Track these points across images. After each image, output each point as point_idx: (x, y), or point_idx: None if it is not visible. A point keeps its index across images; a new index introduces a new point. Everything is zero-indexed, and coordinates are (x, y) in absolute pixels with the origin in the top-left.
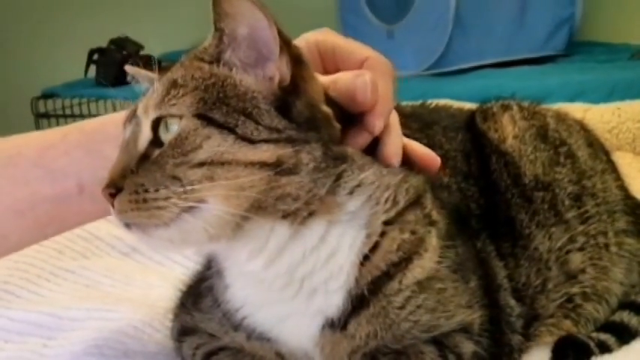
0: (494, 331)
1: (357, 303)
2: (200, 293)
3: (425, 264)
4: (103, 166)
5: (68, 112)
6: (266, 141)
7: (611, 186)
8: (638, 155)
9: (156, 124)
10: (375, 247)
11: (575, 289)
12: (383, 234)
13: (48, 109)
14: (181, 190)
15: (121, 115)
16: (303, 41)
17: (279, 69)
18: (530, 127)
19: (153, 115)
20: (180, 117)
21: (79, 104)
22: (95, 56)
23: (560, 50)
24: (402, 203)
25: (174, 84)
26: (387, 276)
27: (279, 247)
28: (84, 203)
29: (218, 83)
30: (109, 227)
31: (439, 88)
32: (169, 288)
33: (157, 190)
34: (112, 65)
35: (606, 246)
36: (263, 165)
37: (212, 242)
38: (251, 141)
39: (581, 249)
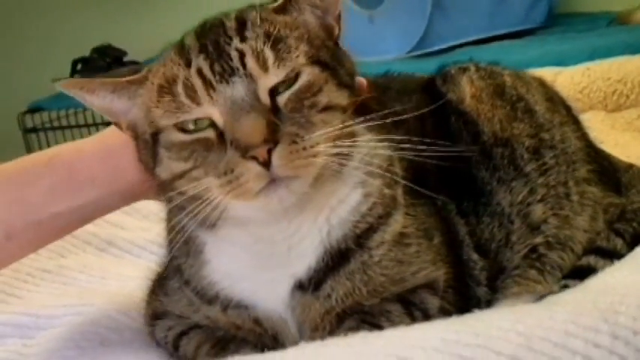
0: (458, 286)
1: (337, 260)
2: (166, 278)
3: (399, 219)
4: (29, 211)
5: (56, 124)
6: (345, 85)
7: (571, 137)
8: (610, 112)
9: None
10: (368, 203)
11: (539, 240)
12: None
13: (35, 123)
14: (323, 134)
15: (41, 157)
16: None
17: (336, 21)
18: (487, 86)
19: (283, 70)
20: (304, 65)
21: (67, 116)
22: (79, 66)
23: (541, 23)
24: (384, 164)
25: (276, 39)
26: (372, 230)
27: (299, 204)
28: (12, 249)
29: (311, 30)
30: None
31: (423, 69)
32: (145, 279)
33: (309, 138)
34: (97, 74)
35: (567, 195)
36: (344, 111)
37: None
38: (342, 84)
39: (541, 200)
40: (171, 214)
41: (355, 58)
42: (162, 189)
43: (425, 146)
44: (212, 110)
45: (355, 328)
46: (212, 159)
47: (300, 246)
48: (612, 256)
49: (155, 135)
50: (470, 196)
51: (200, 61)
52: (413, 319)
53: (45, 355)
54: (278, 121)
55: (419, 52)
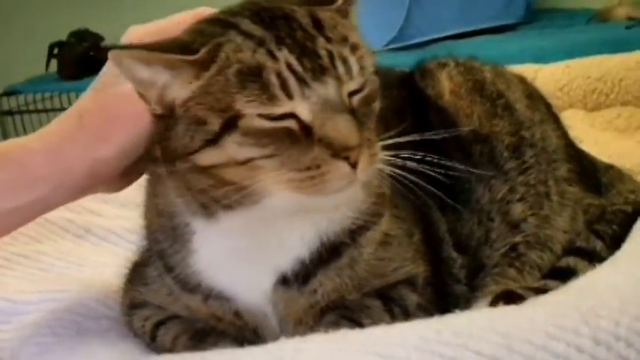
0: (437, 283)
1: (329, 254)
2: (144, 266)
3: (387, 218)
4: None
5: (32, 107)
6: None
7: (551, 135)
8: (590, 111)
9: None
10: (368, 203)
11: (518, 239)
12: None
13: (11, 106)
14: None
15: None
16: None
17: None
18: (466, 82)
19: (361, 78)
20: (372, 74)
21: (43, 99)
22: (56, 50)
23: (520, 18)
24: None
25: (353, 46)
26: (365, 227)
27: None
28: None
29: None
30: (61, 211)
31: (401, 63)
32: (123, 267)
33: (377, 144)
34: (74, 58)
35: (547, 195)
36: None
37: None
38: None
39: (521, 199)
40: (157, 199)
41: None
42: (175, 173)
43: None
44: (302, 106)
45: (335, 324)
46: (294, 152)
47: (293, 238)
48: (592, 257)
49: (230, 120)
50: (450, 193)
51: (286, 55)
52: (392, 316)
53: (20, 341)
54: (360, 125)
55: (397, 45)
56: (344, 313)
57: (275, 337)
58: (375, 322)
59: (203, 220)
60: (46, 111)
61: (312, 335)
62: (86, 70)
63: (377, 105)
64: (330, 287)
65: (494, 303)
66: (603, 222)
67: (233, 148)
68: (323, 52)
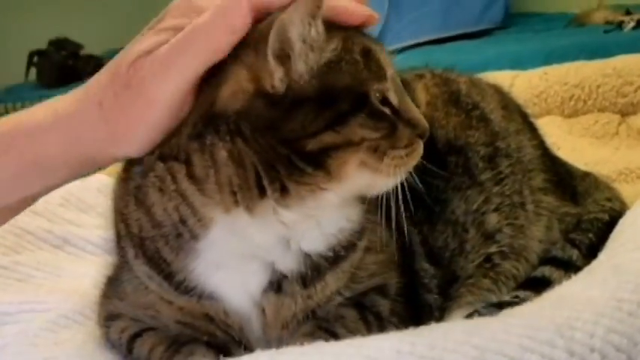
0: (409, 293)
1: (339, 256)
2: (119, 281)
3: (356, 256)
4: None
5: None
6: None
7: (526, 145)
8: (567, 118)
9: None
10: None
11: (493, 249)
12: None
13: None
14: None
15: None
16: None
17: None
18: (442, 94)
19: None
20: None
21: (22, 108)
22: (35, 58)
23: (497, 23)
24: None
25: None
26: (364, 229)
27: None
28: None
29: None
30: (38, 221)
31: None
32: (100, 277)
33: None
34: (53, 66)
35: (522, 205)
36: None
37: None
38: None
39: (496, 209)
40: (155, 208)
41: None
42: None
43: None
44: (391, 85)
45: (311, 334)
46: (396, 134)
47: (314, 233)
48: (568, 267)
49: (360, 99)
50: (424, 204)
51: (374, 42)
52: (367, 325)
53: None
54: None
55: None
56: (320, 323)
57: (257, 342)
58: (351, 332)
59: (236, 213)
60: None
61: (286, 348)
62: (65, 78)
63: None
64: (329, 290)
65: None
66: (579, 231)
67: (355, 129)
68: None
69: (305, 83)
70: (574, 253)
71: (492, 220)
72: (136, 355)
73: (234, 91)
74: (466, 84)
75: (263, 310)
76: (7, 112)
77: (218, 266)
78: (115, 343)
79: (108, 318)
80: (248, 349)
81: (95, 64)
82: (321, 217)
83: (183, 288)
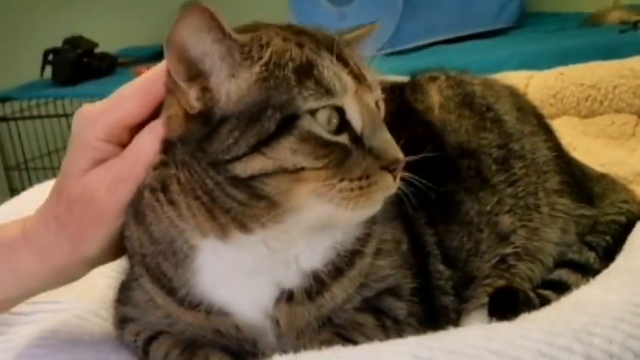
0: (423, 295)
1: (343, 266)
2: (131, 291)
3: (379, 228)
4: None
5: (27, 114)
6: None
7: (541, 147)
8: (583, 118)
9: None
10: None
11: (508, 250)
12: None
13: (6, 112)
14: None
15: None
16: None
17: None
18: (455, 96)
19: (378, 89)
20: None
21: (37, 105)
22: (50, 56)
23: (512, 23)
24: None
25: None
26: (369, 235)
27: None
28: None
29: None
30: None
31: (393, 68)
32: (117, 277)
33: None
34: (68, 65)
35: (537, 207)
36: None
37: None
38: None
39: (509, 211)
40: (152, 227)
41: None
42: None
43: None
44: (354, 107)
45: (328, 343)
46: (346, 163)
47: (308, 252)
48: (585, 270)
49: (288, 119)
50: (438, 205)
51: (328, 55)
52: (385, 329)
53: (15, 352)
54: None
55: (389, 50)
56: (337, 331)
57: (272, 351)
58: (369, 338)
59: (213, 240)
60: (40, 117)
61: (304, 353)
62: (80, 76)
63: None
64: (339, 298)
65: (493, 300)
66: (596, 233)
67: (285, 154)
68: (351, 62)
69: (231, 99)
70: (591, 256)
71: (506, 221)
72: (152, 358)
73: (170, 116)
74: (480, 86)
75: (277, 322)
76: (21, 109)
77: (221, 283)
78: (130, 346)
79: (122, 321)
80: (264, 355)
81: (109, 62)
82: (305, 239)
83: (188, 303)
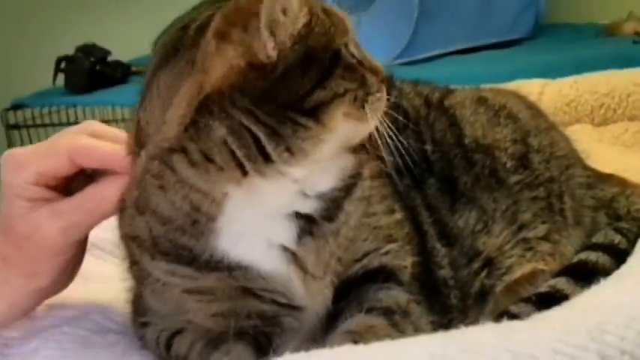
0: (422, 274)
1: (349, 186)
2: (143, 298)
3: (365, 183)
4: None
5: (39, 121)
6: None
7: (559, 140)
8: (597, 126)
9: None
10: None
11: (530, 235)
12: None
13: (18, 120)
14: None
15: None
16: None
17: None
18: (469, 96)
19: None
20: None
21: (50, 113)
22: (63, 64)
23: (527, 33)
24: None
25: None
26: (354, 183)
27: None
28: None
29: None
30: None
31: (407, 77)
32: (127, 282)
33: None
34: (81, 72)
35: (561, 211)
36: None
37: None
38: None
39: (528, 209)
40: (174, 195)
41: None
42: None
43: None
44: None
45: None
46: (365, 81)
47: (323, 175)
48: (615, 253)
49: (335, 54)
50: (449, 193)
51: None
52: (397, 327)
53: (26, 355)
54: None
55: (404, 60)
56: (352, 337)
57: (301, 302)
58: (384, 338)
59: (240, 186)
60: (52, 125)
61: (316, 351)
62: (93, 84)
63: None
64: (352, 221)
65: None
66: (628, 220)
67: (337, 82)
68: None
69: (289, 50)
70: (622, 241)
71: (525, 218)
72: (175, 351)
73: (226, 70)
74: (490, 92)
75: (300, 267)
76: (33, 117)
77: (242, 235)
78: (150, 344)
79: (143, 325)
80: (296, 310)
81: (123, 70)
82: (324, 164)
83: (212, 266)
